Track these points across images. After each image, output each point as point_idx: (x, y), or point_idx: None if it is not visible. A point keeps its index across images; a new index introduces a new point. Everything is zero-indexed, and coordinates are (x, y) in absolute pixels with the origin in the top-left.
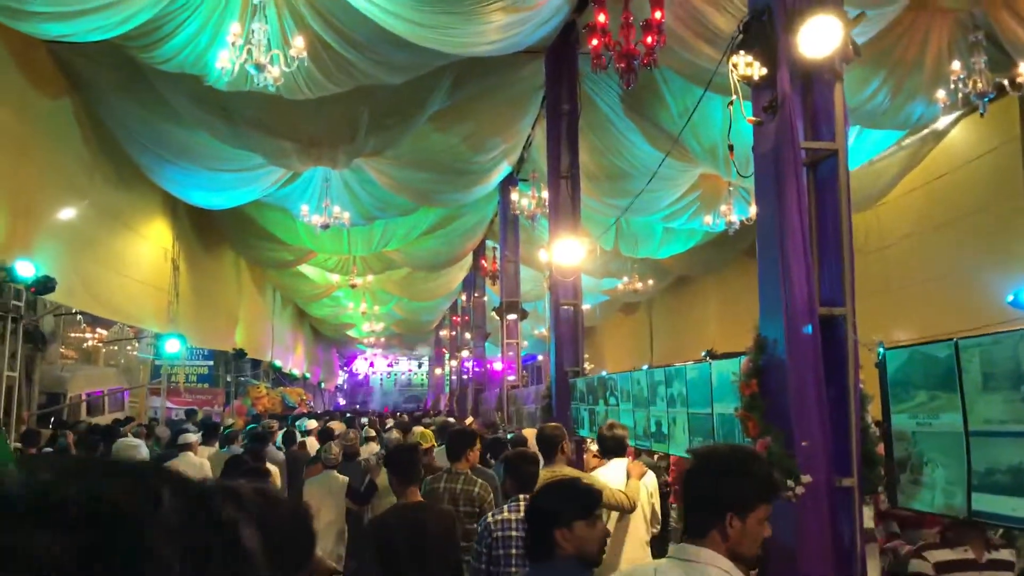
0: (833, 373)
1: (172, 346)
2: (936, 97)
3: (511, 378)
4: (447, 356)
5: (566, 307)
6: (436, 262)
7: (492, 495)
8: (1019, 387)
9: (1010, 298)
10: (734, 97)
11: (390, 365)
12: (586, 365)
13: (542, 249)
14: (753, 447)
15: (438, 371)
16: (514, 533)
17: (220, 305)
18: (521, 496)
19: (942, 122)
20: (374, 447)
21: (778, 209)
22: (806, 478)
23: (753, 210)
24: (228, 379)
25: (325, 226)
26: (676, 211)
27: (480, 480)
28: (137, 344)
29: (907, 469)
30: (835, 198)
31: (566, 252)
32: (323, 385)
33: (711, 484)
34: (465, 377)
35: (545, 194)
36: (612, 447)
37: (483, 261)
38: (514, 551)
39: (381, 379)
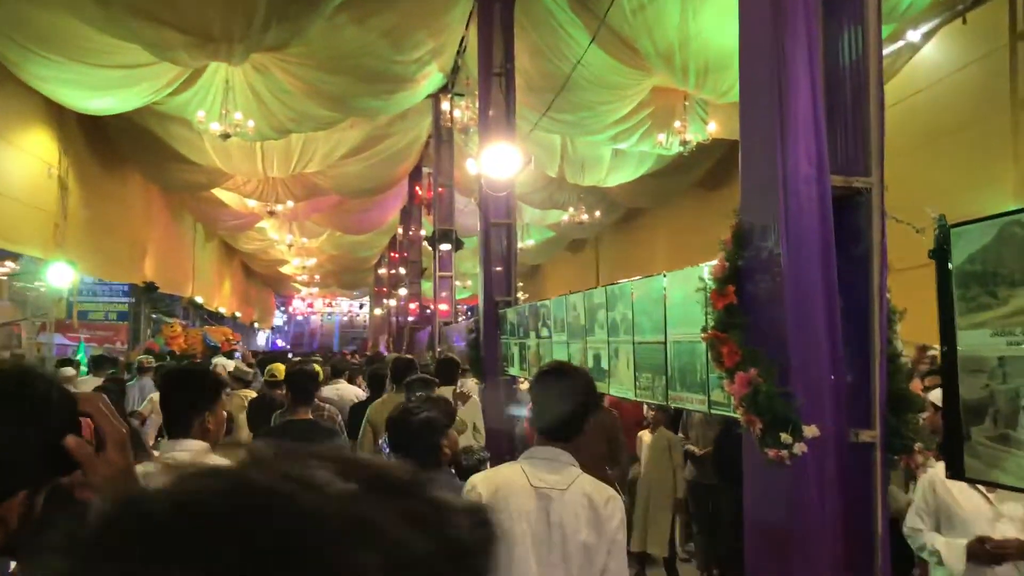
0: (848, 275)
1: (60, 274)
2: None
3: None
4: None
5: (498, 226)
6: (365, 188)
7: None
8: None
9: None
10: None
11: (328, 305)
12: (520, 296)
13: (470, 159)
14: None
15: (377, 311)
16: None
17: (123, 233)
18: None
19: (918, 33)
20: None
21: (773, 32)
22: (810, 430)
23: (711, 128)
24: (150, 317)
25: (225, 135)
26: (625, 129)
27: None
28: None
29: (986, 417)
30: (855, 22)
31: (498, 161)
32: (257, 326)
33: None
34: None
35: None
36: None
37: (418, 188)
38: None
39: (322, 320)
